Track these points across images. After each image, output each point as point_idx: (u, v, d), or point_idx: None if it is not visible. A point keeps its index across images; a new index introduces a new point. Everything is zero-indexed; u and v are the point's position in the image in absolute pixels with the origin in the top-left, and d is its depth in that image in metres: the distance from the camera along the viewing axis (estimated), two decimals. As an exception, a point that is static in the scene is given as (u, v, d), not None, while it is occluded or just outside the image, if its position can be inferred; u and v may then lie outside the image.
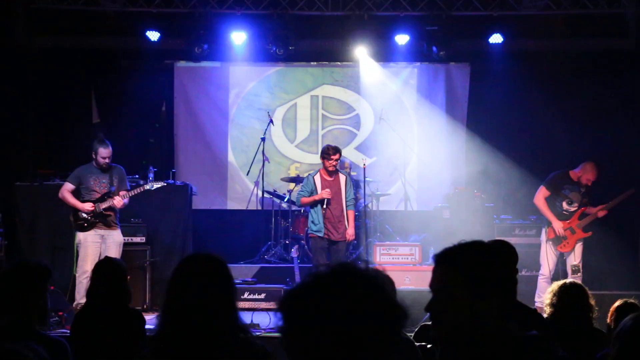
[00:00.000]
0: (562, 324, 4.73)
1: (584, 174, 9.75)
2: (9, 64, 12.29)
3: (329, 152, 9.98)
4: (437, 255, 2.51)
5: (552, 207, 9.84)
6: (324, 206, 9.93)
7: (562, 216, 9.79)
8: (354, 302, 1.76)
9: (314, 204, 10.05)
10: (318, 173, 10.18)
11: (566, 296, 4.82)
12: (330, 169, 9.96)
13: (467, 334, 2.43)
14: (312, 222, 10.08)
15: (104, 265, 5.48)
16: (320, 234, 9.95)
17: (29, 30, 12.58)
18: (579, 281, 8.69)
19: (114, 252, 9.29)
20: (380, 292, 1.81)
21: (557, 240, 9.76)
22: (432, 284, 2.51)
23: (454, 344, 2.49)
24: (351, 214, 10.17)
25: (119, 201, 9.54)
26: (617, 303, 4.86)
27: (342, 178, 10.18)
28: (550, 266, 9.78)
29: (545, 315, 5.03)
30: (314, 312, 1.76)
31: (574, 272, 9.61)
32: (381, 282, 1.83)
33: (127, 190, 9.70)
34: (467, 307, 2.42)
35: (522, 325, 2.57)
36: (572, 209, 9.80)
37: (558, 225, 9.70)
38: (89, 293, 5.41)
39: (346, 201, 10.09)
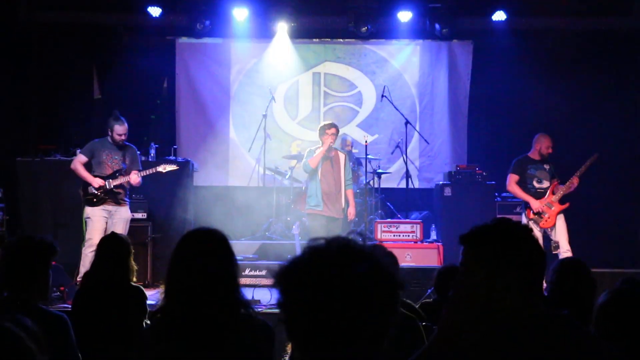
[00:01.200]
0: (562, 300, 4.72)
1: (541, 145, 9.95)
2: (11, 39, 12.27)
3: (325, 127, 10.00)
4: (460, 236, 2.54)
5: (524, 189, 9.98)
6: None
7: (537, 195, 9.92)
8: (349, 275, 1.75)
9: (313, 176, 10.00)
10: (318, 148, 10.14)
11: (565, 274, 4.80)
12: (331, 143, 9.90)
13: (482, 310, 2.44)
14: (309, 196, 10.07)
15: (109, 241, 5.48)
16: (320, 208, 9.92)
17: (31, 5, 12.54)
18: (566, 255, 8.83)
19: (121, 228, 9.27)
20: (376, 265, 1.80)
21: (537, 218, 9.84)
22: (460, 263, 2.54)
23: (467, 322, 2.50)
24: (350, 193, 10.16)
25: (135, 178, 9.53)
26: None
27: (341, 156, 10.16)
28: None
29: (545, 293, 5.02)
30: (309, 285, 1.76)
31: (555, 248, 9.69)
32: (377, 255, 1.83)
33: (139, 171, 9.66)
34: (484, 285, 2.44)
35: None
36: (544, 186, 9.94)
37: (535, 204, 9.82)
38: (93, 268, 5.41)
39: (345, 180, 10.08)
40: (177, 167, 10.24)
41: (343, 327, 1.73)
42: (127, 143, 9.68)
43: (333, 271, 1.75)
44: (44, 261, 3.97)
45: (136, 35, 12.88)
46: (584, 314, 4.60)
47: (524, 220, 10.00)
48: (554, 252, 9.64)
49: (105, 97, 12.52)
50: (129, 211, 9.73)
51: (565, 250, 9.61)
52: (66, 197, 10.23)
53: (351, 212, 10.08)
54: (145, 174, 9.67)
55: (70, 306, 5.77)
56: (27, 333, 2.29)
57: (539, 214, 9.82)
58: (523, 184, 10.00)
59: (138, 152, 9.95)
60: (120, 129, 9.47)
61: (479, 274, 2.46)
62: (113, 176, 9.46)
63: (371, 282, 1.76)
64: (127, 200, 9.72)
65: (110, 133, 9.50)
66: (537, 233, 9.86)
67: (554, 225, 9.85)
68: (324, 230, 9.85)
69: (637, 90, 12.29)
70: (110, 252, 5.31)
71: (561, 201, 9.89)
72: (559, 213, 9.87)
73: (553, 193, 9.88)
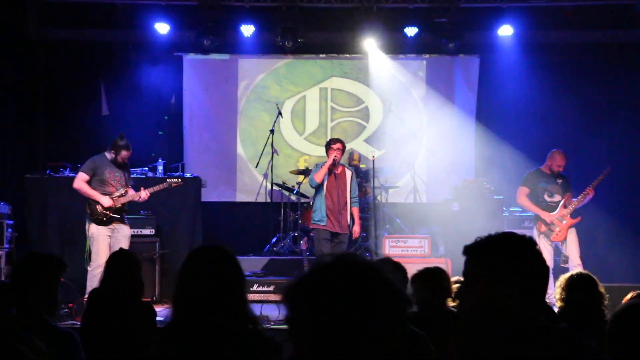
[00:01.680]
0: (573, 316, 4.71)
1: (553, 161, 9.91)
2: (20, 56, 12.34)
3: (330, 142, 10.09)
4: (465, 247, 2.55)
5: (536, 203, 9.96)
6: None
7: (548, 208, 9.90)
8: (357, 292, 1.76)
9: (318, 191, 10.04)
10: (324, 163, 10.17)
11: (575, 287, 4.80)
12: (335, 158, 9.93)
13: (483, 321, 2.44)
14: (314, 211, 10.10)
15: (118, 257, 5.47)
16: (323, 224, 9.94)
17: (40, 22, 12.61)
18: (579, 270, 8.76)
19: (124, 245, 9.25)
20: (384, 282, 1.81)
21: (549, 231, 9.81)
22: (464, 273, 2.55)
23: (474, 334, 2.50)
24: (356, 210, 10.17)
25: (146, 195, 9.58)
26: (628, 296, 4.84)
27: (348, 173, 10.19)
28: (548, 259, 9.79)
29: (556, 310, 5.01)
30: (317, 302, 1.76)
31: (564, 262, 9.66)
32: (385, 272, 1.84)
33: (132, 187, 9.68)
34: (486, 297, 2.44)
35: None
36: (556, 200, 9.91)
37: (546, 216, 9.79)
38: (102, 284, 5.41)
39: (351, 197, 10.09)
40: (182, 183, 10.25)
41: (350, 344, 1.73)
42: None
43: (340, 288, 1.76)
44: (53, 278, 3.98)
45: (144, 51, 12.93)
46: (593, 328, 4.59)
47: (535, 233, 9.98)
48: (562, 265, 9.61)
49: (113, 114, 12.57)
50: (129, 228, 9.72)
51: (576, 265, 9.54)
52: (74, 213, 10.25)
53: (356, 230, 10.09)
54: (152, 190, 9.68)
55: (79, 323, 5.78)
56: (35, 353, 2.29)
57: (549, 227, 9.78)
58: (535, 197, 9.96)
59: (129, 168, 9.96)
60: (126, 154, 9.50)
61: (481, 282, 2.46)
62: (119, 195, 9.46)
63: (379, 299, 1.77)
64: (126, 217, 9.73)
65: (114, 154, 9.46)
66: (548, 247, 9.84)
67: (565, 239, 9.82)
68: (328, 246, 9.87)
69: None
70: (120, 268, 5.30)
71: (573, 215, 9.86)
72: (570, 227, 9.84)
73: (565, 207, 9.84)
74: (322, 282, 1.79)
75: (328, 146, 10.06)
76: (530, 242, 2.51)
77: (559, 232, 9.78)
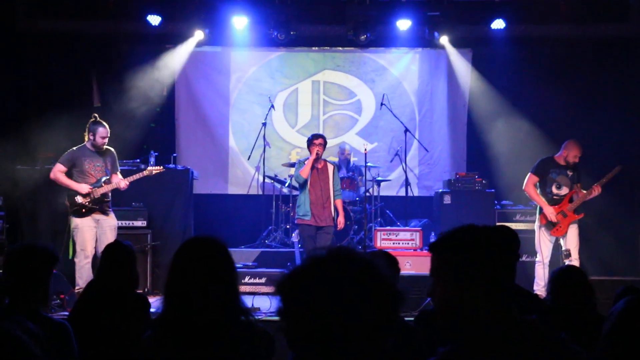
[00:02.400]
0: (562, 309, 4.74)
1: (569, 152, 9.80)
2: (10, 48, 12.29)
3: (312, 138, 10.24)
4: (430, 244, 2.54)
5: (542, 193, 9.89)
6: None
7: (552, 201, 9.82)
8: (349, 284, 1.77)
9: (302, 187, 10.12)
10: (307, 159, 10.25)
11: (563, 281, 4.83)
12: (317, 153, 10.02)
13: (455, 316, 2.44)
14: (298, 206, 10.20)
15: (114, 249, 5.46)
16: (307, 218, 10.04)
17: (30, 13, 12.56)
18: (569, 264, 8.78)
19: (111, 236, 9.16)
20: (376, 275, 1.83)
21: (549, 225, 9.78)
22: (430, 270, 2.53)
23: (448, 328, 2.50)
24: (339, 202, 10.24)
25: (125, 184, 9.48)
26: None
27: (329, 167, 10.32)
28: (545, 252, 9.80)
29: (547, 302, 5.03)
30: (310, 294, 1.78)
31: (566, 256, 9.63)
32: (377, 265, 1.85)
33: (117, 173, 9.59)
34: (454, 291, 2.43)
35: (523, 310, 2.58)
36: (562, 193, 9.84)
37: (549, 211, 9.73)
38: (97, 276, 5.41)
39: (334, 190, 10.18)
40: (163, 169, 10.14)
41: (342, 335, 1.75)
42: (106, 147, 9.55)
43: (333, 280, 1.77)
44: (46, 269, 4.00)
45: (136, 43, 12.90)
46: (582, 321, 4.63)
47: (537, 225, 9.96)
48: (564, 261, 9.59)
49: (105, 105, 12.52)
50: (115, 218, 9.66)
51: (573, 259, 9.55)
52: (64, 205, 10.25)
53: (341, 221, 10.16)
54: (132, 179, 9.60)
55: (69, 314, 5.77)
56: (32, 338, 2.31)
57: (551, 221, 9.76)
58: (542, 187, 9.91)
59: (115, 154, 9.77)
60: (104, 132, 9.30)
61: (447, 279, 2.46)
62: (98, 184, 9.39)
63: (371, 291, 1.79)
64: (111, 208, 9.64)
65: (92, 137, 9.33)
66: (547, 241, 9.84)
67: (565, 233, 9.81)
68: (313, 240, 9.94)
69: (636, 96, 12.30)
70: (115, 260, 5.30)
71: (576, 211, 9.83)
72: (572, 223, 9.83)
73: (570, 201, 9.83)
74: (316, 275, 1.81)
75: (310, 142, 10.19)
76: (496, 234, 2.49)
77: (560, 227, 9.75)
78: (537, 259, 9.81)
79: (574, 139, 9.98)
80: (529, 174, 9.99)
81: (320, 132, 13.05)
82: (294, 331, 1.81)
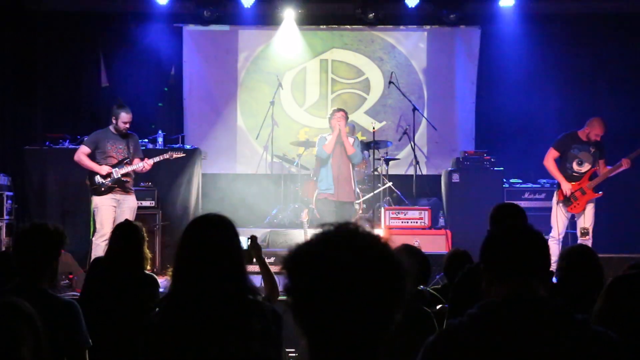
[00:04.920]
0: (570, 287, 4.73)
1: (592, 129, 9.71)
2: (18, 28, 12.29)
3: (333, 112, 10.31)
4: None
5: (562, 169, 9.82)
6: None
7: (572, 178, 9.76)
8: (357, 260, 1.76)
9: (325, 162, 10.14)
10: (329, 135, 10.29)
11: (573, 260, 4.81)
12: (339, 126, 10.03)
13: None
14: (320, 180, 10.29)
15: (123, 228, 5.48)
16: (330, 192, 10.09)
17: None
18: (588, 244, 8.75)
19: (128, 216, 9.24)
20: (384, 251, 1.81)
21: (567, 201, 9.72)
22: None
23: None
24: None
25: (146, 167, 9.60)
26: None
27: (350, 139, 10.30)
28: (560, 229, 9.77)
29: (555, 280, 5.02)
30: (317, 270, 1.76)
31: (583, 234, 9.59)
32: (385, 241, 1.83)
33: (141, 159, 9.69)
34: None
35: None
36: (583, 170, 9.77)
37: (567, 187, 9.67)
38: (107, 255, 5.43)
39: (349, 158, 10.23)
40: (184, 154, 10.29)
41: (350, 312, 1.74)
42: (130, 131, 9.71)
43: (341, 256, 1.75)
44: (56, 248, 4.02)
45: (143, 22, 12.85)
46: (591, 300, 4.61)
47: (554, 199, 9.90)
48: (580, 238, 9.56)
49: (112, 85, 12.52)
50: (135, 200, 9.77)
51: (587, 238, 9.53)
52: (73, 185, 10.28)
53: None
54: (155, 161, 9.71)
55: (78, 294, 5.80)
56: (41, 315, 2.31)
57: (568, 198, 9.72)
58: (562, 162, 9.85)
59: (138, 139, 9.99)
60: (126, 117, 9.49)
61: None
62: (119, 165, 9.48)
63: (378, 268, 1.77)
64: (133, 188, 9.76)
65: (114, 121, 9.51)
66: (563, 217, 9.79)
67: (583, 211, 9.77)
68: (334, 215, 9.94)
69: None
70: (124, 240, 5.31)
71: (595, 189, 9.77)
72: (589, 201, 9.76)
73: (590, 179, 9.78)
74: (323, 251, 1.79)
75: (331, 116, 10.24)
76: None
77: (577, 204, 9.70)
78: (551, 235, 9.75)
79: (599, 117, 9.89)
80: (550, 148, 9.93)
81: (328, 111, 13.01)
82: (301, 308, 1.80)
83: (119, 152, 9.55)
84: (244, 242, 4.30)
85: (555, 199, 9.89)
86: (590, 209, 9.72)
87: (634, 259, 6.66)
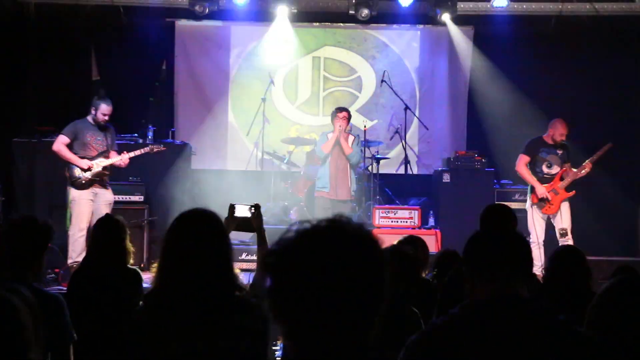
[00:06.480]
0: (557, 288, 4.73)
1: (555, 130, 9.92)
2: (9, 20, 12.23)
3: (336, 111, 10.34)
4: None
5: (533, 172, 10.01)
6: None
7: (543, 180, 9.93)
8: (340, 258, 1.72)
9: (324, 159, 10.26)
10: (331, 132, 10.39)
11: (560, 260, 4.82)
12: (342, 126, 10.10)
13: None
14: (318, 178, 10.39)
15: (105, 223, 5.47)
16: (326, 190, 10.17)
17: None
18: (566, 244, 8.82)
19: (105, 211, 9.21)
20: (367, 244, 1.78)
21: (541, 203, 9.86)
22: None
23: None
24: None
25: (126, 161, 9.55)
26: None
27: (350, 139, 10.42)
28: (539, 232, 9.85)
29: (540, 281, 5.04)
30: (304, 270, 1.73)
31: (562, 235, 9.68)
32: (369, 236, 1.80)
33: (118, 152, 9.64)
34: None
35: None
36: (553, 172, 9.96)
37: (541, 189, 9.81)
38: (89, 250, 5.42)
39: (348, 158, 10.27)
40: (165, 148, 10.21)
41: (332, 310, 1.71)
42: (107, 124, 9.64)
43: (323, 251, 1.72)
44: (44, 242, 4.02)
45: (136, 17, 12.82)
46: (579, 303, 4.62)
47: (528, 204, 10.03)
48: (560, 239, 9.64)
49: (103, 79, 12.47)
50: (112, 194, 9.71)
51: (566, 239, 9.61)
52: (61, 178, 10.24)
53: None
54: (133, 155, 9.65)
55: (65, 288, 5.79)
56: (28, 307, 2.31)
57: (542, 199, 9.82)
58: (532, 167, 10.00)
59: (115, 132, 9.93)
60: (106, 109, 9.43)
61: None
62: (98, 157, 9.42)
63: (360, 262, 1.74)
64: (109, 182, 9.71)
65: (94, 112, 9.45)
66: (540, 219, 9.90)
67: (558, 212, 9.84)
68: (329, 213, 9.93)
69: (637, 75, 12.27)
70: (107, 235, 5.31)
71: (568, 189, 9.88)
72: (563, 200, 9.87)
73: (561, 179, 9.87)
74: (310, 249, 1.75)
75: (334, 115, 10.29)
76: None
77: (551, 205, 9.82)
78: (530, 240, 9.81)
79: (560, 118, 10.09)
80: (520, 154, 10.09)
81: (320, 108, 13.09)
82: (283, 307, 1.76)
83: (98, 143, 9.49)
84: (247, 210, 4.34)
85: (529, 202, 10.04)
86: (565, 209, 9.89)
87: (621, 263, 6.68)
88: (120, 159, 9.51)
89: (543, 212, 9.87)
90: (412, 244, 5.79)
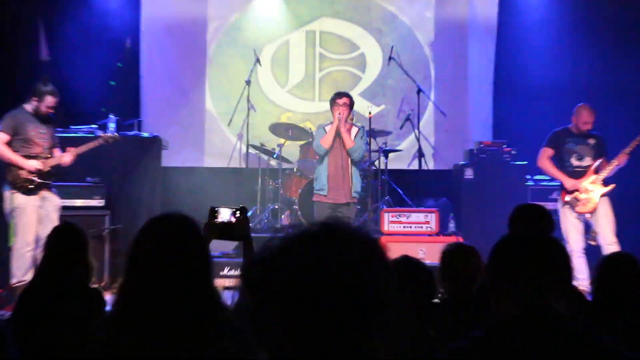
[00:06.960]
0: (606, 305, 4.70)
1: (578, 118, 9.93)
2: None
3: (335, 97, 10.28)
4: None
5: (561, 167, 9.99)
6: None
7: (574, 174, 9.88)
8: (336, 270, 1.66)
9: (320, 159, 10.30)
10: (330, 124, 10.34)
11: (611, 269, 4.79)
12: (342, 115, 10.05)
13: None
14: (315, 179, 10.39)
15: (61, 233, 5.41)
16: (324, 193, 10.18)
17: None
18: (613, 249, 8.73)
19: (56, 218, 9.17)
20: (368, 256, 1.73)
21: (573, 201, 9.77)
22: None
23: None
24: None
25: (71, 159, 9.47)
26: None
27: (354, 131, 10.37)
28: (574, 237, 9.74)
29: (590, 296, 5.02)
30: (283, 283, 1.68)
31: (592, 239, 9.63)
32: (372, 245, 1.76)
33: (60, 149, 9.58)
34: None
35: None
36: (585, 164, 9.91)
37: (569, 182, 9.77)
38: (42, 266, 5.37)
39: (350, 154, 10.24)
40: (119, 138, 10.11)
41: (328, 335, 1.65)
42: (51, 114, 9.52)
43: (314, 262, 1.67)
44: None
45: (93, -16, 12.81)
46: (634, 316, 4.59)
47: (559, 205, 9.97)
48: (591, 243, 9.60)
49: (55, 59, 12.43)
50: (59, 197, 9.61)
51: (610, 242, 9.52)
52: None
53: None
54: (80, 151, 9.59)
55: (7, 312, 5.75)
56: None
57: (573, 195, 9.74)
58: (560, 160, 9.99)
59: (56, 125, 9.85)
60: (53, 101, 9.33)
61: None
62: (43, 155, 9.33)
63: (361, 275, 1.69)
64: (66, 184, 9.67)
65: (36, 102, 9.31)
66: (574, 220, 9.83)
67: (595, 211, 9.77)
68: None
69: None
70: (64, 246, 5.26)
71: (605, 182, 9.82)
72: (601, 196, 9.80)
73: (596, 172, 9.81)
74: (298, 259, 1.70)
75: (332, 102, 10.25)
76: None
77: (587, 202, 9.73)
78: (568, 249, 9.71)
79: (583, 103, 10.08)
80: (542, 148, 10.13)
81: (316, 92, 13.05)
82: (267, 330, 1.71)
83: (42, 137, 9.37)
84: (230, 214, 4.29)
85: (560, 203, 9.97)
86: (604, 207, 9.75)
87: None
88: (63, 158, 9.41)
89: (576, 211, 9.79)
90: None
